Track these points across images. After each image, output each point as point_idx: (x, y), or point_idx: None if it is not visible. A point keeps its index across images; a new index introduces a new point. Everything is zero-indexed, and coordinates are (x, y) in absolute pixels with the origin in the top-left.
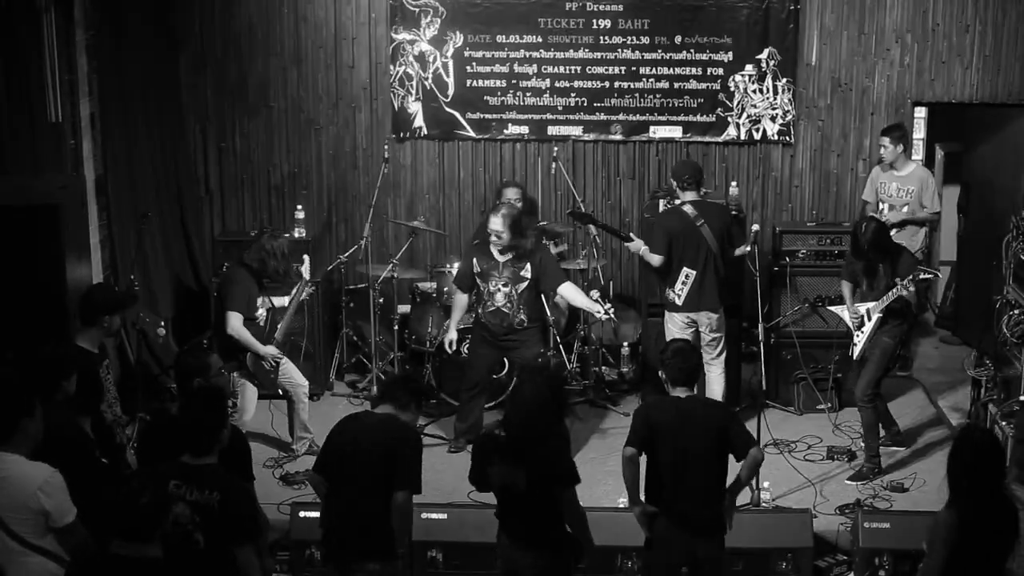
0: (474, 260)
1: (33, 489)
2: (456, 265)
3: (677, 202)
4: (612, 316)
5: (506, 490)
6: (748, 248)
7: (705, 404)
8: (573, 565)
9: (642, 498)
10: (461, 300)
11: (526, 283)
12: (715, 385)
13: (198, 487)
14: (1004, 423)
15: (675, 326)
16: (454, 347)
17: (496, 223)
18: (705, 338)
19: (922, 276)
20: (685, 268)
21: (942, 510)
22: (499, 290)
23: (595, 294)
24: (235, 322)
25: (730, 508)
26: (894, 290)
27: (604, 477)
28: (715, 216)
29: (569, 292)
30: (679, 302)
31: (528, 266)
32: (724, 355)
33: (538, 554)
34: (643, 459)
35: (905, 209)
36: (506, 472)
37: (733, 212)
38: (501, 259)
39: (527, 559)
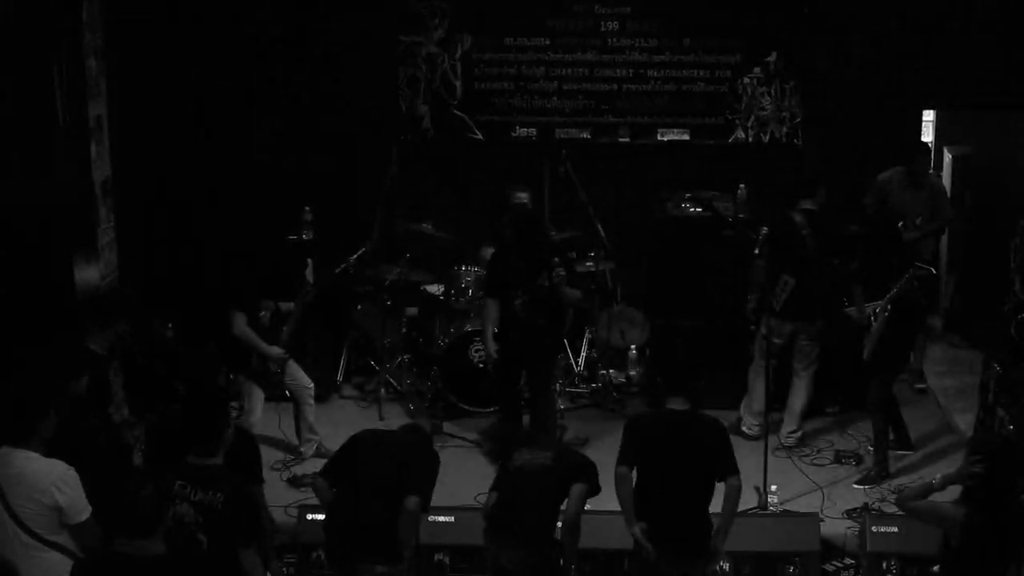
0: (498, 270)
1: (48, 484)
2: (464, 268)
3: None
4: (561, 273)
5: None
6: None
7: (699, 420)
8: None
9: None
10: (494, 308)
11: (544, 288)
12: (797, 396)
13: (202, 488)
14: (1012, 427)
15: (769, 331)
16: (495, 355)
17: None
18: (799, 345)
19: (919, 273)
20: (784, 275)
21: (954, 503)
22: (520, 296)
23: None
24: (240, 322)
25: (721, 547)
26: (895, 288)
27: (611, 480)
28: (823, 228)
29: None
30: (777, 307)
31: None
32: (814, 368)
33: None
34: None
35: (919, 220)
36: None
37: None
38: (522, 265)
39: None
